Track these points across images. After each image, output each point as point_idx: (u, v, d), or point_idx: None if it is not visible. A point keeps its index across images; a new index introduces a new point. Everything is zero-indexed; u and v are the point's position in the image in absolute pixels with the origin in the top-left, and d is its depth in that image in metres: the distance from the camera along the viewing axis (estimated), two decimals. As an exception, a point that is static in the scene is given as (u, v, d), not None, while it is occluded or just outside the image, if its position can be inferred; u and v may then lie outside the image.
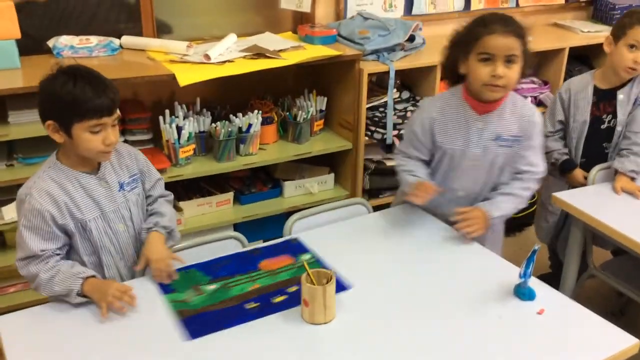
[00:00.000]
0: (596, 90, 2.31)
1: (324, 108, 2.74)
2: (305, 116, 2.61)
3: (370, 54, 2.63)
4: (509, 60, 1.72)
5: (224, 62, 2.33)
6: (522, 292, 1.56)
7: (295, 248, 1.76)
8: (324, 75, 2.72)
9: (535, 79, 3.04)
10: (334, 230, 1.90)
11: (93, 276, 1.54)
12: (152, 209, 1.75)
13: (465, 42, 1.78)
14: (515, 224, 3.08)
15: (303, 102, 2.68)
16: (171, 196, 1.83)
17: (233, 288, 1.59)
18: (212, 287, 1.60)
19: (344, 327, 1.47)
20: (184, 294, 1.57)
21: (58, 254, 1.58)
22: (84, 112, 1.48)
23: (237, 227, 2.51)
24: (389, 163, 2.74)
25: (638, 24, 2.18)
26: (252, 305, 1.53)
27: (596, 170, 2.27)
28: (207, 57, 2.31)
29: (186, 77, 2.18)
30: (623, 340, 1.44)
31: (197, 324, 1.46)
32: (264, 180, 2.69)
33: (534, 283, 1.58)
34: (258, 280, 1.62)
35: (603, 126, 2.32)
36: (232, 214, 2.52)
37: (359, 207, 2.05)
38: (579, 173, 2.34)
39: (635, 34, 2.18)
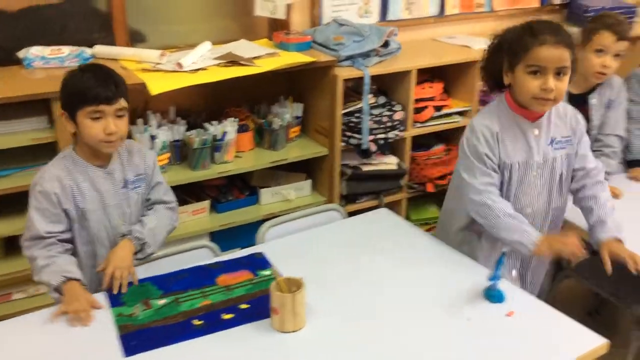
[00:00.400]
0: (569, 96, 2.32)
1: (300, 114, 2.74)
2: (281, 123, 2.61)
3: (345, 60, 2.64)
4: (559, 72, 1.64)
5: (197, 70, 2.32)
6: (492, 295, 1.56)
7: (258, 263, 1.74)
8: (300, 81, 2.73)
9: (510, 82, 3.06)
10: (306, 237, 1.90)
11: (79, 280, 1.58)
12: (144, 213, 1.78)
13: (511, 53, 1.69)
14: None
15: (279, 108, 2.68)
16: (173, 204, 1.85)
17: (183, 303, 1.57)
18: (162, 301, 1.58)
19: (313, 335, 1.46)
20: (132, 308, 1.55)
21: (62, 240, 1.65)
22: (83, 99, 1.59)
23: (213, 235, 2.50)
24: (365, 168, 2.74)
25: (603, 29, 2.20)
26: (198, 322, 1.50)
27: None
28: (180, 65, 2.30)
29: (158, 85, 2.17)
30: (592, 340, 1.45)
31: (138, 340, 1.44)
32: (241, 188, 2.68)
33: (504, 285, 1.59)
34: (211, 295, 1.60)
35: None
36: (209, 222, 2.51)
37: (333, 214, 2.05)
38: None
39: (600, 39, 2.20)
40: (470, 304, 1.56)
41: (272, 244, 1.87)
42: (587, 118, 2.32)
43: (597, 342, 1.44)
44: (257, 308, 1.54)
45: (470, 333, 1.47)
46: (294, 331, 1.46)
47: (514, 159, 1.76)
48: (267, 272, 1.69)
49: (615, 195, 2.16)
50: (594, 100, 2.31)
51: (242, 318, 1.51)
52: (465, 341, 1.44)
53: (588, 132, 2.32)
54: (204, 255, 1.84)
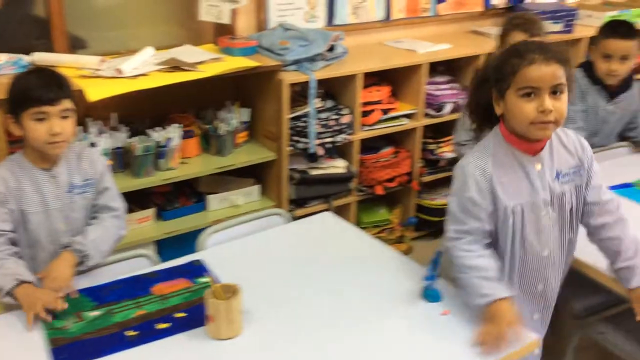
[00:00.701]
0: None
1: (247, 119, 2.73)
2: (227, 128, 2.59)
3: (291, 65, 2.64)
4: (555, 90, 1.47)
5: (138, 75, 2.29)
6: (429, 294, 1.58)
7: (196, 270, 1.71)
8: (247, 86, 2.72)
9: (455, 85, 3.11)
10: (248, 243, 1.88)
11: (31, 282, 1.55)
12: (89, 222, 1.76)
13: (500, 79, 1.52)
14: (439, 229, 3.12)
15: (225, 114, 2.66)
16: (119, 211, 1.82)
17: (117, 314, 1.53)
18: (95, 313, 1.54)
19: (250, 342, 1.45)
20: (63, 320, 1.51)
21: (11, 241, 1.65)
22: (26, 100, 1.59)
23: (160, 243, 2.46)
24: (313, 172, 2.74)
25: (512, 29, 2.37)
26: (132, 333, 1.47)
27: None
28: (119, 71, 2.26)
29: (96, 92, 2.13)
30: (524, 337, 1.47)
31: (69, 353, 1.40)
32: (188, 194, 2.65)
33: (442, 285, 1.61)
34: (145, 306, 1.57)
35: None
36: (154, 230, 2.47)
37: (276, 218, 2.04)
38: None
39: (512, 39, 2.28)
40: (409, 304, 1.57)
41: (212, 251, 1.85)
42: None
43: (529, 338, 1.47)
44: (194, 316, 1.52)
45: (408, 332, 1.48)
46: (229, 338, 1.44)
47: (518, 200, 1.56)
48: (205, 280, 1.66)
49: None
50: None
51: (178, 327, 1.49)
52: (403, 340, 1.45)
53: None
54: (143, 265, 1.80)
